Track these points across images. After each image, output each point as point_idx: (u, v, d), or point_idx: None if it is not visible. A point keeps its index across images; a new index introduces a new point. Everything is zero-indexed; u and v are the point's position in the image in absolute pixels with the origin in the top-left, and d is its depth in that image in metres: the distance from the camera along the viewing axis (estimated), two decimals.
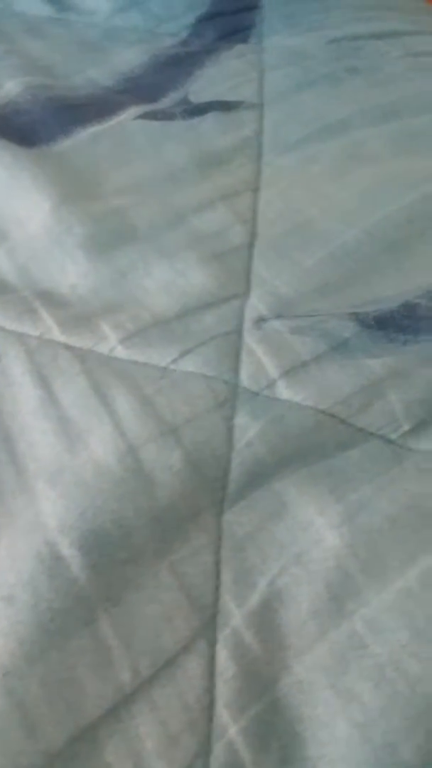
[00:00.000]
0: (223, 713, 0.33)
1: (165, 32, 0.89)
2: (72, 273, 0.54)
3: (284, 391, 0.44)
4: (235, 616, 0.36)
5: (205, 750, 0.32)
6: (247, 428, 0.42)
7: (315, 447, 0.42)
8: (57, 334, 0.49)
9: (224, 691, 0.33)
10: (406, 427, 0.43)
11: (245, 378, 0.45)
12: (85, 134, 0.70)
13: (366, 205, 0.60)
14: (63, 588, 0.35)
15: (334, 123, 0.71)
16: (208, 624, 0.35)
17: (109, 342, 0.48)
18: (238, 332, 0.48)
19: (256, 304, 0.50)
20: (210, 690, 0.33)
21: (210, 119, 0.72)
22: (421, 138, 0.68)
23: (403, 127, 0.69)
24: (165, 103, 0.75)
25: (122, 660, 0.34)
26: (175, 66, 0.82)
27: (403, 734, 0.31)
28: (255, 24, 0.92)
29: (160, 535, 0.38)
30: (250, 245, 0.56)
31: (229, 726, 0.32)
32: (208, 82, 0.78)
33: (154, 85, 0.78)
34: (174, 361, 0.46)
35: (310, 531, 0.38)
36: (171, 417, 0.42)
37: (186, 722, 0.32)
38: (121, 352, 0.47)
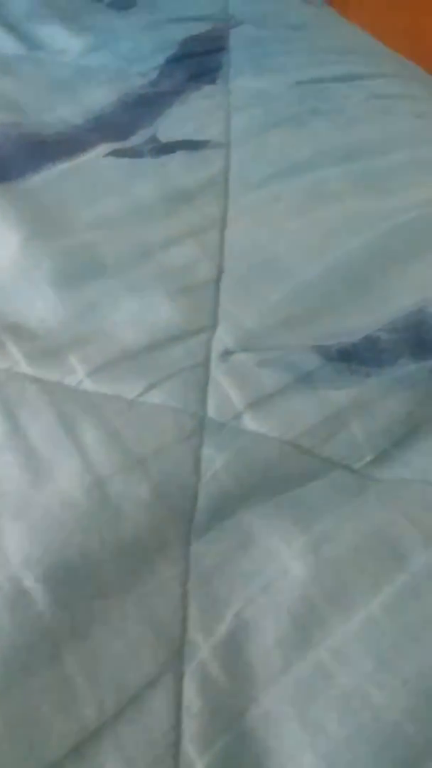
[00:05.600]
0: (189, 749, 0.32)
1: (135, 72, 0.91)
2: (40, 307, 0.54)
3: (250, 423, 0.44)
4: (202, 648, 0.35)
5: None
6: (214, 459, 0.42)
7: (280, 477, 0.42)
8: (24, 367, 0.49)
9: (190, 726, 0.33)
10: (369, 457, 0.44)
11: (212, 410, 0.45)
12: (54, 171, 0.71)
13: (328, 242, 0.61)
14: (27, 623, 0.35)
15: (298, 162, 0.73)
16: (175, 657, 0.35)
17: (77, 375, 0.48)
18: (205, 365, 0.48)
19: (222, 337, 0.51)
20: (176, 726, 0.33)
21: (178, 158, 0.73)
22: (382, 177, 0.70)
23: (364, 167, 0.71)
24: (134, 141, 0.76)
25: (87, 696, 0.33)
26: (144, 105, 0.83)
27: (369, 765, 0.31)
28: (222, 66, 0.94)
29: (127, 568, 0.38)
30: (217, 280, 0.57)
31: (195, 762, 0.32)
32: (176, 121, 0.80)
33: (124, 124, 0.79)
34: (141, 393, 0.46)
35: (275, 561, 0.38)
36: (138, 449, 0.42)
37: (152, 759, 0.32)
38: (88, 385, 0.47)
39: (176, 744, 0.33)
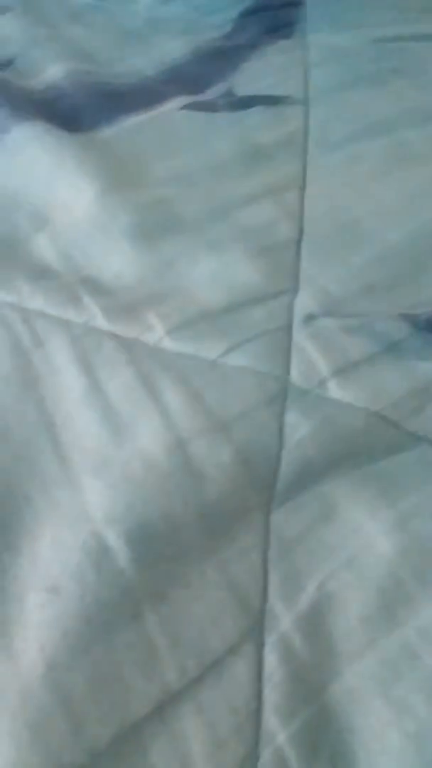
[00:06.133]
0: (271, 718, 0.32)
1: (209, 24, 0.88)
2: (117, 261, 0.53)
3: (336, 391, 0.43)
4: (284, 619, 0.35)
5: (253, 756, 0.31)
6: (298, 426, 0.41)
7: (365, 449, 0.41)
8: (102, 322, 0.48)
9: (272, 695, 0.32)
10: None
11: (296, 375, 0.44)
12: (129, 123, 0.69)
13: (412, 205, 0.59)
14: (109, 580, 0.35)
15: (379, 122, 0.70)
16: (256, 626, 0.34)
17: (156, 332, 0.47)
18: (288, 329, 0.47)
19: (305, 301, 0.49)
20: (258, 694, 0.32)
21: (255, 113, 0.71)
22: None
23: None
24: (210, 94, 0.74)
25: (169, 658, 0.33)
26: (220, 58, 0.81)
27: None
28: (298, 20, 0.90)
29: (208, 533, 0.37)
30: (298, 242, 0.55)
31: (278, 732, 0.31)
32: (252, 75, 0.78)
33: (199, 77, 0.77)
34: (223, 354, 0.45)
35: (360, 535, 0.37)
36: (221, 412, 0.41)
37: (233, 726, 0.32)
38: (168, 343, 0.46)
39: (257, 713, 0.32)
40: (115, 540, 0.36)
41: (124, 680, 0.32)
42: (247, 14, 0.91)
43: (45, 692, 0.32)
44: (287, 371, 0.44)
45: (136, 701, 0.32)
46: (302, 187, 0.61)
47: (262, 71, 0.79)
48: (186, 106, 0.72)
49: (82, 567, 0.35)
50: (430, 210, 0.57)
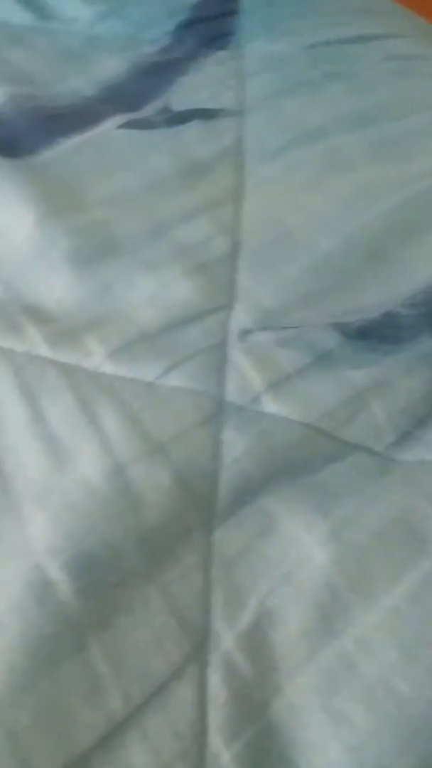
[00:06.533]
0: (215, 740, 0.32)
1: (146, 39, 0.89)
2: (58, 287, 0.54)
3: (270, 405, 0.44)
4: (226, 638, 0.35)
5: None
6: (235, 443, 0.42)
7: (301, 461, 0.42)
8: (44, 350, 0.48)
9: (216, 716, 0.33)
10: (390, 439, 0.43)
11: (231, 392, 0.44)
12: (68, 144, 0.69)
13: (345, 213, 0.59)
14: (53, 613, 0.35)
15: (313, 129, 0.71)
16: (199, 647, 0.35)
17: (96, 357, 0.47)
18: (223, 345, 0.48)
19: (240, 316, 0.50)
20: (202, 716, 0.33)
21: (192, 127, 0.71)
22: (399, 143, 0.68)
23: (380, 132, 0.69)
24: (147, 111, 0.75)
25: (113, 687, 0.34)
26: (157, 74, 0.81)
27: (395, 757, 0.31)
28: (235, 30, 0.91)
29: (149, 557, 0.38)
30: (234, 255, 0.56)
31: (222, 753, 0.32)
32: (189, 89, 0.78)
33: (136, 94, 0.78)
34: (160, 376, 0.46)
35: (298, 548, 0.38)
36: (158, 434, 0.42)
37: (178, 750, 0.32)
38: (108, 367, 0.47)
39: (202, 735, 0.33)
40: (57, 572, 0.36)
41: (70, 712, 0.33)
42: (184, 27, 0.91)
43: None
44: (222, 389, 0.45)
45: (82, 732, 0.32)
46: (239, 200, 0.62)
47: (199, 84, 0.79)
48: (123, 125, 0.72)
49: (25, 602, 0.35)
50: (363, 216, 0.58)
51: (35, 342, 0.49)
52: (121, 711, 0.33)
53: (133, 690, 0.34)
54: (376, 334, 0.49)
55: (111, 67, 0.83)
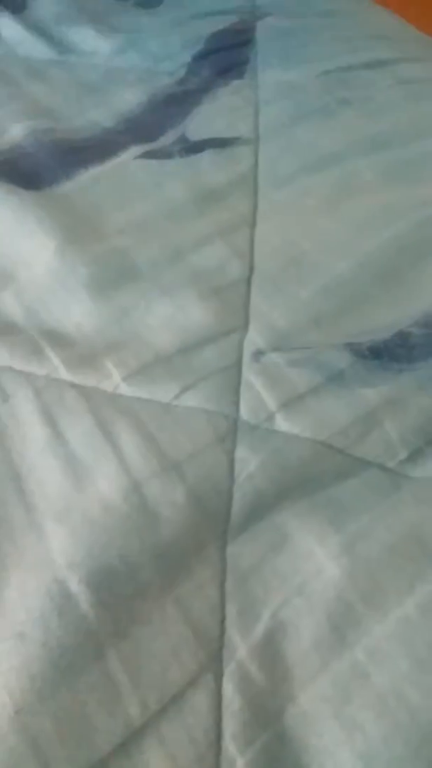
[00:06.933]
0: (230, 746, 0.33)
1: (162, 71, 0.91)
2: (77, 312, 0.56)
3: (283, 424, 0.45)
4: (240, 648, 0.36)
5: None
6: (248, 461, 0.43)
7: (314, 478, 0.43)
8: (63, 373, 0.50)
9: (231, 723, 0.34)
10: (402, 455, 0.44)
11: (245, 412, 0.46)
12: (87, 176, 0.72)
13: (357, 236, 0.61)
14: (72, 624, 0.36)
15: (326, 155, 0.73)
16: (215, 657, 0.36)
17: (114, 380, 0.49)
18: (238, 366, 0.49)
19: (254, 338, 0.51)
20: (217, 723, 0.34)
21: (207, 156, 0.73)
22: (411, 166, 0.69)
23: (393, 156, 0.71)
24: (163, 141, 0.77)
25: (131, 695, 0.35)
26: (173, 104, 0.84)
27: (405, 764, 0.32)
28: (249, 59, 0.93)
29: (165, 570, 0.39)
30: (248, 279, 0.57)
31: (237, 759, 0.33)
32: (204, 119, 0.80)
33: (153, 125, 0.80)
34: (176, 396, 0.47)
35: (310, 562, 0.39)
36: (174, 453, 0.43)
37: (194, 756, 0.33)
38: (125, 389, 0.48)
39: (218, 741, 0.34)
40: (76, 585, 0.38)
41: (89, 719, 0.34)
42: (200, 57, 0.94)
43: (14, 735, 0.33)
44: (237, 409, 0.46)
45: (101, 738, 0.34)
46: (253, 225, 0.64)
47: (214, 114, 0.82)
48: (141, 155, 0.74)
49: (46, 613, 0.37)
50: (375, 239, 0.60)
51: (55, 365, 0.51)
52: (139, 718, 0.34)
53: (150, 698, 0.35)
54: (388, 354, 0.50)
55: (129, 98, 0.86)
